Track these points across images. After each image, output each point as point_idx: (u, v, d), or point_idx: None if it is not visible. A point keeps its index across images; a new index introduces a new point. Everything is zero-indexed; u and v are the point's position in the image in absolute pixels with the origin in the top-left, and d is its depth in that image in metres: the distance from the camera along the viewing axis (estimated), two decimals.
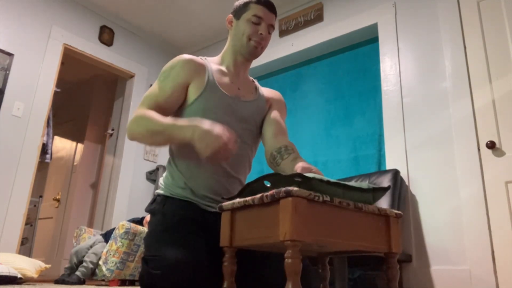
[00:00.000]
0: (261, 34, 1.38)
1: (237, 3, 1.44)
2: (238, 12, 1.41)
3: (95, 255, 2.76)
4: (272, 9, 1.40)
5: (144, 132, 1.25)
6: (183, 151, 1.33)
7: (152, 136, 1.25)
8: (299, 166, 1.14)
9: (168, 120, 1.24)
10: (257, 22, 1.37)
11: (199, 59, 1.39)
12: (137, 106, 3.95)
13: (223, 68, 1.43)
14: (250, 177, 1.38)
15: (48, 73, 3.35)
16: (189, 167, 1.31)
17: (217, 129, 1.13)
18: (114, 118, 4.09)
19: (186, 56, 1.38)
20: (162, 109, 1.30)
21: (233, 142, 1.13)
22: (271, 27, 1.41)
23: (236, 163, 1.35)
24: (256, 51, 1.40)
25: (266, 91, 1.53)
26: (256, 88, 1.50)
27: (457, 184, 2.30)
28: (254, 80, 1.54)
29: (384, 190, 1.02)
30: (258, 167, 3.29)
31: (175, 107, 1.35)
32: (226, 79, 1.40)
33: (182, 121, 1.21)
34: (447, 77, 2.49)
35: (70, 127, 4.96)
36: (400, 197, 2.37)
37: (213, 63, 1.43)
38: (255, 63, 3.54)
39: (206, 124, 1.14)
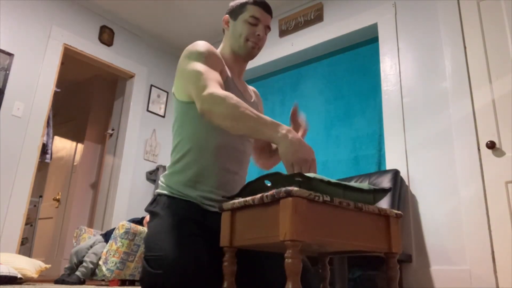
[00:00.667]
0: (258, 35, 1.39)
1: (233, 4, 1.44)
2: (235, 13, 1.42)
3: (95, 255, 2.76)
4: (268, 10, 1.42)
5: (231, 115, 1.11)
6: (186, 149, 1.32)
7: (238, 121, 1.11)
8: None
9: (255, 111, 1.13)
10: (254, 23, 1.39)
11: (212, 47, 1.36)
12: (139, 106, 3.93)
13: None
14: (250, 177, 1.38)
15: (48, 73, 3.35)
16: (192, 166, 1.31)
17: (307, 152, 1.05)
18: (114, 118, 4.09)
19: (204, 43, 1.33)
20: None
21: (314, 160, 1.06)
22: (267, 28, 1.43)
23: (241, 160, 1.37)
24: (253, 52, 1.42)
25: (252, 91, 1.58)
26: (249, 89, 1.55)
27: (457, 184, 2.30)
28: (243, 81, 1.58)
29: (384, 191, 1.02)
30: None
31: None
32: (235, 78, 1.43)
33: (273, 121, 1.11)
34: (447, 77, 2.49)
35: (70, 127, 4.96)
36: (400, 197, 2.37)
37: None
38: (255, 63, 3.57)
39: (295, 134, 1.07)
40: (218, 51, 1.47)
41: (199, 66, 1.24)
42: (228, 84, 1.34)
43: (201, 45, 1.31)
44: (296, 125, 1.33)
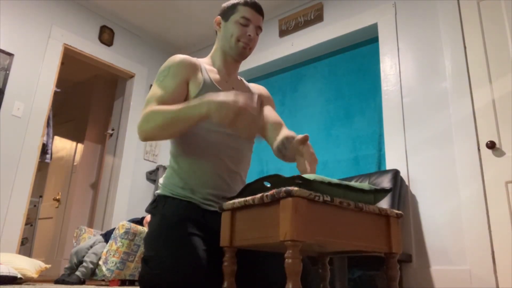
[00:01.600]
0: (249, 35, 1.40)
1: (224, 5, 1.46)
2: (226, 14, 1.43)
3: (95, 255, 2.76)
4: (259, 10, 1.43)
5: (159, 126, 1.20)
6: (185, 148, 1.33)
7: (168, 127, 1.20)
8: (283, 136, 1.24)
9: (178, 105, 1.20)
10: (245, 24, 1.40)
11: (192, 58, 1.41)
12: (139, 106, 3.94)
13: (215, 69, 1.45)
14: (250, 177, 1.38)
15: (48, 73, 3.35)
16: (191, 165, 1.31)
17: (231, 96, 1.11)
18: (114, 118, 4.09)
19: (180, 55, 1.39)
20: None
21: (250, 103, 1.11)
22: (258, 28, 1.44)
23: (237, 158, 1.37)
24: (244, 52, 1.42)
25: (255, 87, 1.57)
26: (246, 85, 1.54)
27: (457, 184, 2.30)
28: (242, 78, 1.58)
29: (385, 192, 1.02)
30: (258, 167, 3.29)
31: (181, 102, 1.31)
32: (220, 78, 1.43)
33: (193, 101, 1.19)
34: (447, 77, 2.49)
35: (70, 127, 4.96)
36: (400, 197, 2.37)
37: (204, 63, 1.45)
38: (255, 63, 3.57)
39: (219, 95, 1.12)
40: (207, 57, 1.49)
41: (152, 89, 1.32)
42: (206, 87, 1.35)
43: (168, 62, 1.38)
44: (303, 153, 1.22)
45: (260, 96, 1.54)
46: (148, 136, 1.24)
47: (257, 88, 1.58)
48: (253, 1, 1.41)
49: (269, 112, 1.49)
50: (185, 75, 1.35)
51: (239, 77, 1.56)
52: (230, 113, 1.08)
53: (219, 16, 1.47)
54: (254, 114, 1.11)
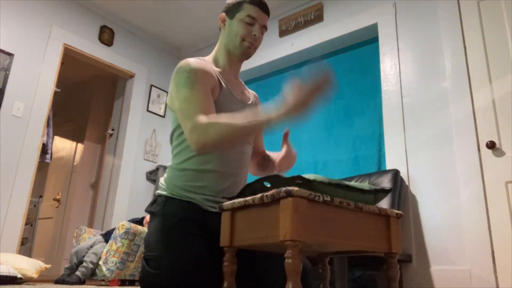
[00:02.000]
0: (254, 35, 1.37)
1: (229, 2, 1.42)
2: (231, 11, 1.40)
3: (95, 255, 2.76)
4: (265, 9, 1.40)
5: (225, 134, 1.14)
6: (188, 150, 1.32)
7: (234, 136, 1.16)
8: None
9: (241, 116, 1.16)
10: (251, 23, 1.36)
11: (206, 64, 1.35)
12: (139, 106, 3.92)
13: (221, 70, 1.42)
14: (250, 177, 1.38)
15: (48, 73, 3.35)
16: (195, 167, 1.30)
17: (292, 100, 1.09)
18: (114, 118, 4.08)
19: (194, 61, 1.32)
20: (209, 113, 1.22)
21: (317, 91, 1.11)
22: (264, 27, 1.40)
23: (242, 162, 1.36)
24: (249, 52, 1.40)
25: (252, 94, 1.56)
26: (247, 91, 1.53)
27: (457, 184, 2.30)
28: (241, 81, 1.56)
29: (385, 192, 1.02)
30: None
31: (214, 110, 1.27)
32: (231, 84, 1.40)
33: (256, 112, 1.17)
34: (447, 77, 2.49)
35: (70, 127, 4.96)
36: (400, 197, 2.37)
37: (212, 64, 1.41)
38: (255, 63, 3.56)
39: (285, 107, 1.10)
40: (210, 56, 1.46)
41: (183, 96, 1.23)
42: (224, 95, 1.33)
43: (190, 67, 1.28)
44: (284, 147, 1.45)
45: (256, 106, 1.52)
46: (205, 146, 1.16)
47: (253, 95, 1.55)
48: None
49: (259, 135, 1.56)
50: (210, 83, 1.30)
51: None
52: (303, 112, 1.10)
53: (223, 13, 1.43)
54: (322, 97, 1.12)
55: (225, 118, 1.16)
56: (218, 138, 1.14)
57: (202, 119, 1.16)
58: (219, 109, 1.26)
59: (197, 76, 1.26)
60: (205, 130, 1.14)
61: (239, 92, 1.42)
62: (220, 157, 1.30)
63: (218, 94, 1.31)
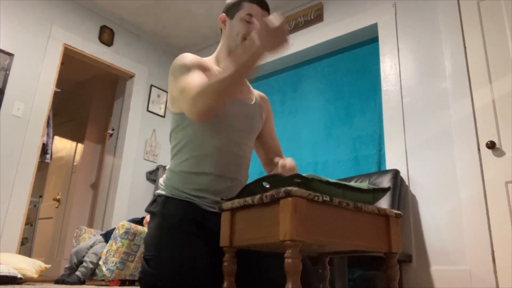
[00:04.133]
0: None
1: (229, 2, 1.42)
2: (231, 11, 1.39)
3: (95, 255, 2.76)
4: (265, 6, 1.39)
5: (219, 89, 1.15)
6: (188, 151, 1.31)
7: (228, 87, 1.16)
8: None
9: (227, 67, 1.17)
10: (251, 21, 1.36)
11: (200, 57, 1.38)
12: (139, 106, 3.91)
13: (221, 69, 1.42)
14: (250, 177, 1.38)
15: (48, 73, 3.35)
16: (192, 169, 1.30)
17: (264, 35, 1.12)
18: (114, 118, 4.09)
19: (190, 54, 1.35)
20: None
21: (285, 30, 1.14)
22: None
23: (239, 164, 1.35)
24: None
25: (259, 95, 1.53)
26: (251, 90, 1.51)
27: (457, 184, 2.30)
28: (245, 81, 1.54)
29: (384, 191, 1.02)
30: (258, 168, 3.28)
31: None
32: None
33: (237, 55, 1.18)
34: (447, 77, 2.49)
35: (70, 127, 4.96)
36: (400, 197, 2.37)
37: (211, 63, 1.42)
38: None
39: (260, 39, 1.12)
40: (212, 56, 1.46)
41: (182, 81, 1.25)
42: None
43: (185, 57, 1.32)
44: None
45: (264, 107, 1.51)
46: (205, 107, 1.16)
47: (261, 97, 1.53)
48: None
49: (269, 130, 1.52)
50: (206, 72, 1.31)
51: None
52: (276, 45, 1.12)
53: (224, 14, 1.42)
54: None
55: (213, 77, 1.19)
56: (215, 95, 1.15)
57: (195, 89, 1.18)
58: None
59: (192, 63, 1.29)
60: (201, 94, 1.16)
61: (237, 91, 1.41)
62: (217, 160, 1.29)
63: None
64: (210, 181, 1.29)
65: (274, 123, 1.58)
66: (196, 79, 1.23)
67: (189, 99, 1.19)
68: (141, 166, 3.90)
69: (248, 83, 1.53)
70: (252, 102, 1.45)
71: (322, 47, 3.27)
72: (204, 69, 1.31)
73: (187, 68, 1.27)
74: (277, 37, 1.12)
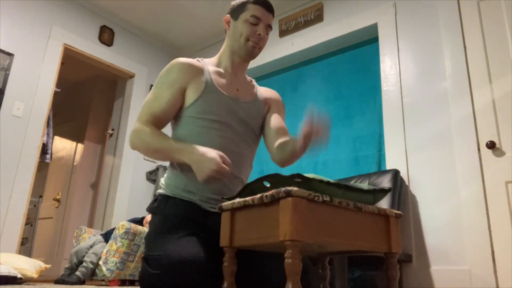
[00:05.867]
0: (259, 34, 1.37)
1: (234, 3, 1.43)
2: (236, 12, 1.40)
3: (95, 255, 2.76)
4: (269, 8, 1.40)
5: (145, 148, 1.32)
6: None
7: (152, 153, 1.34)
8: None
9: (166, 141, 1.29)
10: (255, 23, 1.37)
11: (195, 61, 1.39)
12: (139, 106, 3.93)
13: (221, 70, 1.42)
14: (250, 177, 1.38)
15: (48, 73, 3.35)
16: (190, 172, 1.29)
17: (211, 153, 1.17)
18: (114, 118, 4.08)
19: (182, 59, 1.37)
20: (158, 119, 1.34)
21: (228, 164, 1.17)
22: (269, 27, 1.41)
23: (238, 163, 1.35)
24: (254, 52, 1.40)
25: (264, 91, 1.53)
26: (254, 88, 1.50)
27: (457, 184, 2.30)
28: (252, 80, 1.54)
29: (384, 192, 1.02)
30: (258, 167, 3.29)
31: (172, 115, 1.37)
32: (224, 80, 1.40)
33: (179, 145, 1.27)
34: (447, 77, 2.49)
35: (70, 127, 4.96)
36: (400, 197, 2.37)
37: (210, 64, 1.42)
38: (255, 63, 3.56)
39: (201, 149, 1.20)
40: (215, 57, 1.47)
41: (149, 94, 1.39)
42: (208, 89, 1.34)
43: (171, 68, 1.37)
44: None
45: (268, 101, 1.50)
46: (134, 148, 1.35)
47: (266, 92, 1.53)
48: None
49: (274, 119, 1.46)
50: (184, 81, 1.34)
51: (248, 77, 1.52)
52: (205, 171, 1.16)
53: (228, 15, 1.43)
54: (228, 173, 1.18)
55: (154, 133, 1.30)
56: (141, 146, 1.32)
57: (140, 125, 1.32)
58: (203, 104, 1.33)
59: (169, 77, 1.34)
60: (136, 134, 1.32)
61: (233, 89, 1.41)
62: None
63: (202, 90, 1.34)
64: None
65: (283, 115, 1.53)
66: (155, 103, 1.34)
67: (133, 127, 1.35)
68: (141, 166, 3.90)
69: (250, 79, 1.52)
70: (252, 99, 1.45)
71: (322, 47, 3.27)
72: (193, 76, 1.35)
73: (163, 82, 1.35)
74: (208, 166, 1.17)
